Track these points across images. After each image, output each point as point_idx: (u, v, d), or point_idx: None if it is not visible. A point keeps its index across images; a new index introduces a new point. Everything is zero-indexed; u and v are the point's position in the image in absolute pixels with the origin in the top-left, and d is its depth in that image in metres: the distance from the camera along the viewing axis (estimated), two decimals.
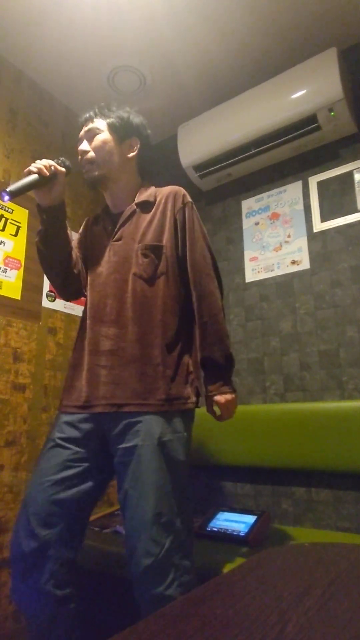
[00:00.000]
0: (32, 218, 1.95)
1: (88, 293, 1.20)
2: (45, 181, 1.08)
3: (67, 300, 1.33)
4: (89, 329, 1.14)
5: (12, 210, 1.87)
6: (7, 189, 1.02)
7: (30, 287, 1.89)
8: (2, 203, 1.83)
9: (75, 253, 1.25)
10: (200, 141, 2.11)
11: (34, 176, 1.06)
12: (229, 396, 1.11)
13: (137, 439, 0.99)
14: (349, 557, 0.59)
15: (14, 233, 1.86)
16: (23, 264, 1.87)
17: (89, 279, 1.22)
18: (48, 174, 1.08)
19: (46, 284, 1.97)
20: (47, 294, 1.97)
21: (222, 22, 1.85)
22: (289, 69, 1.91)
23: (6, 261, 1.80)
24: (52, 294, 2.00)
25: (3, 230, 1.81)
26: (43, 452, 1.09)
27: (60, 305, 2.03)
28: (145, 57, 2.01)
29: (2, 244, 1.80)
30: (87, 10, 1.78)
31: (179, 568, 0.93)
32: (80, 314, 2.13)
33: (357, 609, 0.42)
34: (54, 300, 2.00)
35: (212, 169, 2.13)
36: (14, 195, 1.03)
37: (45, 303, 1.96)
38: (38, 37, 1.90)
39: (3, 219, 1.82)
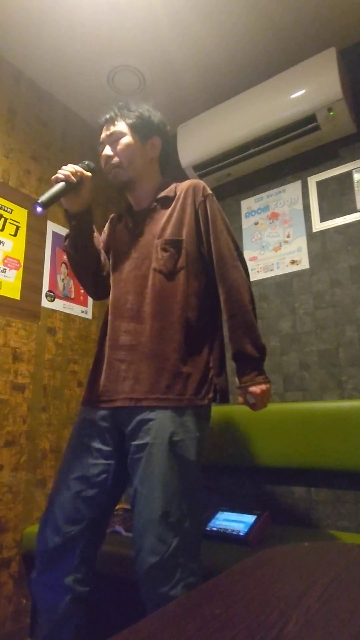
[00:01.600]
0: (31, 218, 1.95)
1: (111, 290, 1.21)
2: (72, 187, 1.08)
3: (98, 299, 1.38)
4: (110, 325, 1.15)
5: (11, 210, 1.87)
6: (39, 201, 1.01)
7: (30, 287, 1.89)
8: (2, 203, 1.83)
9: (104, 255, 1.27)
10: (200, 141, 2.11)
11: (62, 184, 1.06)
12: (264, 386, 1.09)
13: (149, 437, 1.00)
14: (349, 557, 0.59)
15: (13, 233, 1.86)
16: (22, 264, 1.87)
17: (112, 276, 1.23)
18: (75, 180, 1.08)
19: (45, 284, 1.97)
20: (46, 294, 1.97)
21: (221, 22, 1.85)
22: (288, 68, 1.91)
23: (5, 261, 1.80)
24: (52, 293, 2.00)
25: (2, 230, 1.81)
26: (67, 450, 1.11)
27: (59, 305, 2.03)
28: (145, 57, 2.01)
29: (2, 244, 1.80)
30: (86, 10, 1.78)
31: (186, 569, 0.93)
32: (79, 314, 2.14)
33: (356, 608, 0.43)
34: (53, 300, 2.00)
35: (211, 168, 2.13)
36: (47, 206, 1.02)
37: (45, 303, 1.96)
38: (37, 36, 1.90)
39: (2, 219, 1.82)
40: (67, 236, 1.20)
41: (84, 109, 2.30)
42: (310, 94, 1.82)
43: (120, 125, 1.19)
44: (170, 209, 1.19)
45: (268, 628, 0.37)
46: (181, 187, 1.23)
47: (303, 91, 1.84)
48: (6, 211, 1.84)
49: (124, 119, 1.20)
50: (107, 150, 1.19)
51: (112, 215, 1.36)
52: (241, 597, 0.45)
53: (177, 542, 0.93)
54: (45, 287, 1.97)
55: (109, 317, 1.17)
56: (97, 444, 1.07)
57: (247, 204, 2.18)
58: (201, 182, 1.23)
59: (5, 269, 1.79)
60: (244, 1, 1.76)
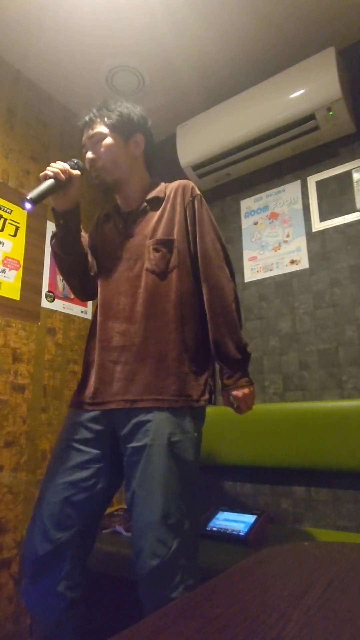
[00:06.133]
0: (31, 218, 1.95)
1: (99, 290, 1.20)
2: (61, 185, 1.08)
3: (84, 300, 1.35)
4: (100, 326, 1.13)
5: (11, 210, 1.87)
6: (28, 197, 1.01)
7: (29, 288, 1.89)
8: (2, 203, 1.83)
9: (91, 255, 1.25)
10: (199, 141, 2.11)
11: (51, 181, 1.05)
12: (246, 390, 1.08)
13: (147, 439, 0.98)
14: (349, 556, 0.59)
15: (12, 233, 1.85)
16: (22, 264, 1.87)
17: (100, 276, 1.22)
18: (64, 178, 1.07)
19: (45, 285, 1.97)
20: (46, 294, 1.97)
21: (220, 22, 1.85)
22: (287, 68, 1.91)
23: (5, 262, 1.80)
24: (51, 294, 2.00)
25: (2, 230, 1.81)
26: (55, 454, 1.09)
27: (59, 305, 2.03)
28: (144, 57, 2.01)
29: (1, 245, 1.80)
30: (85, 10, 1.78)
31: (186, 571, 0.92)
32: (79, 314, 2.13)
33: (356, 607, 0.42)
34: (52, 301, 2.00)
35: (210, 168, 2.13)
36: (35, 203, 1.02)
37: (44, 303, 1.95)
38: (36, 36, 1.90)
39: (2, 219, 1.82)
40: (54, 235, 1.18)
41: (83, 109, 2.29)
42: (309, 93, 1.82)
43: (101, 127, 1.17)
44: (160, 210, 1.18)
45: (268, 628, 0.37)
46: (171, 187, 1.22)
47: (302, 91, 1.84)
48: (6, 212, 1.84)
49: (104, 119, 1.18)
50: (90, 154, 1.18)
51: (98, 215, 1.34)
52: (241, 597, 0.45)
53: (177, 544, 0.92)
54: (45, 288, 1.97)
55: (99, 319, 1.15)
56: (87, 447, 1.05)
57: (247, 204, 2.18)
58: (190, 183, 1.23)
59: (4, 270, 1.79)
60: (243, 1, 1.76)
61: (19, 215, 1.90)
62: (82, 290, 1.28)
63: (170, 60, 2.03)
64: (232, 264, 1.19)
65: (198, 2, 1.75)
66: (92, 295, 1.28)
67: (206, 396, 1.08)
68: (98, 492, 1.03)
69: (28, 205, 1.01)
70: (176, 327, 1.08)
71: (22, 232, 1.90)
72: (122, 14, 1.80)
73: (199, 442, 1.07)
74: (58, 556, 0.97)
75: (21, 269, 1.86)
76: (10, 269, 1.82)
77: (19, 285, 1.84)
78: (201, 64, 2.06)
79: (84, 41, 1.93)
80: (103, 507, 1.08)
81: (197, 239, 1.16)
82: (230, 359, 1.09)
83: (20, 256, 1.87)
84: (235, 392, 1.08)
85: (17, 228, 1.88)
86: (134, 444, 1.00)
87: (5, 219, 1.83)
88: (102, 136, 1.17)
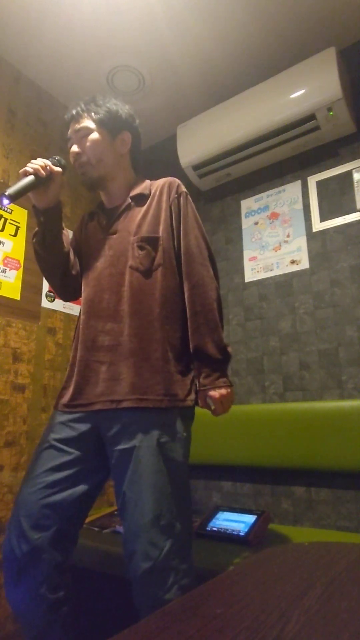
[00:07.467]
0: (31, 218, 1.95)
1: (83, 288, 1.18)
2: (42, 182, 1.06)
3: (66, 300, 1.32)
4: (84, 325, 1.12)
5: (11, 210, 1.87)
6: (6, 193, 0.98)
7: (30, 288, 1.89)
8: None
9: (73, 254, 1.24)
10: (199, 141, 2.11)
11: (31, 177, 1.03)
12: (223, 391, 1.04)
13: (135, 441, 0.97)
14: (349, 557, 0.59)
15: (13, 233, 1.85)
16: (22, 264, 1.87)
17: (84, 274, 1.20)
18: (45, 174, 1.05)
19: (45, 284, 1.97)
20: (46, 294, 1.97)
21: (221, 22, 1.85)
22: (287, 68, 1.91)
23: (5, 261, 1.80)
24: (52, 294, 2.00)
25: (2, 230, 1.81)
26: (36, 453, 1.06)
27: (59, 305, 2.03)
28: (145, 57, 2.01)
29: (2, 244, 1.80)
30: (86, 10, 1.78)
31: (179, 571, 0.91)
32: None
33: (356, 608, 0.43)
34: (53, 301, 2.00)
35: (211, 168, 2.13)
36: (13, 199, 1.00)
37: (45, 303, 1.96)
38: (36, 36, 1.90)
39: (2, 219, 1.82)
40: (35, 233, 1.16)
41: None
42: (309, 93, 1.82)
43: (87, 121, 1.15)
44: (145, 207, 1.17)
45: (268, 628, 0.37)
46: (156, 185, 1.21)
47: (303, 91, 1.84)
48: (6, 211, 1.84)
49: (91, 114, 1.16)
50: (75, 148, 1.16)
51: (83, 215, 1.33)
52: (241, 597, 0.45)
53: (169, 545, 0.91)
54: (45, 288, 1.97)
55: (82, 317, 1.13)
56: (69, 448, 1.03)
57: (247, 204, 2.18)
58: (176, 180, 1.21)
59: (5, 269, 1.79)
60: (244, 1, 1.76)
61: (20, 215, 1.90)
62: (63, 290, 1.25)
63: (171, 60, 2.03)
64: (216, 262, 1.17)
65: (198, 2, 1.75)
66: (73, 295, 1.27)
67: (192, 395, 1.06)
68: (78, 494, 1.01)
69: (5, 201, 0.98)
70: (161, 325, 1.06)
71: (22, 232, 1.90)
72: (123, 14, 1.80)
73: (188, 442, 1.05)
74: (36, 557, 0.95)
75: (21, 268, 1.86)
76: (11, 268, 1.82)
77: (19, 285, 1.84)
78: (201, 64, 2.06)
79: (84, 41, 1.93)
80: (84, 509, 1.05)
81: (181, 236, 1.14)
82: (209, 358, 1.06)
83: (20, 256, 1.87)
84: (211, 393, 1.04)
85: (17, 228, 1.88)
86: (121, 447, 0.99)
87: (6, 219, 1.83)
88: (89, 131, 1.15)
